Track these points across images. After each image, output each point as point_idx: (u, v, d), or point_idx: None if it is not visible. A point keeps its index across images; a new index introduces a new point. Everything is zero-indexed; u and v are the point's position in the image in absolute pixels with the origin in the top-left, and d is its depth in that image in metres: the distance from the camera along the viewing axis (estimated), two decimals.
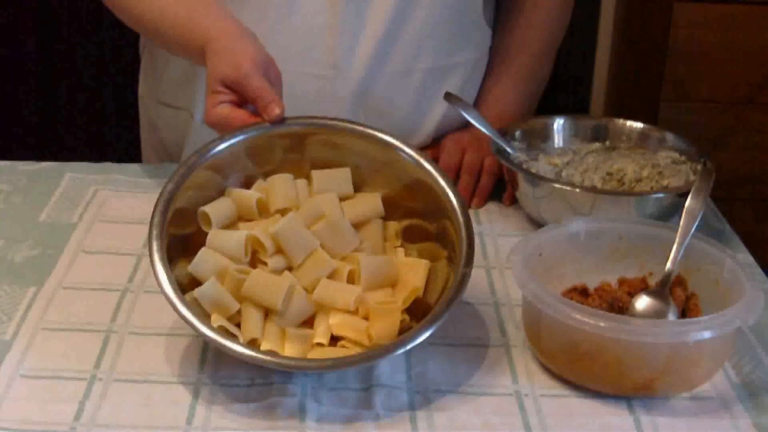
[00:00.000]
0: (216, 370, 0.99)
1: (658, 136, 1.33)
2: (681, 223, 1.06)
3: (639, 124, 1.35)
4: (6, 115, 2.56)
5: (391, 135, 1.08)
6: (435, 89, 1.35)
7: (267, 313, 0.98)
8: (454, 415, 0.94)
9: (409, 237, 1.08)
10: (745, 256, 1.20)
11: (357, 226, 1.05)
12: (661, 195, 1.21)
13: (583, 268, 1.08)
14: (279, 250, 1.00)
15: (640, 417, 0.94)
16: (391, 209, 1.08)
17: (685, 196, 1.11)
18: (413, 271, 1.02)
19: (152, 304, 1.09)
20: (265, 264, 1.00)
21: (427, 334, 0.94)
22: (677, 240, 1.04)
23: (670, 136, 1.33)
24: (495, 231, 1.26)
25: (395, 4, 1.29)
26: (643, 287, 1.05)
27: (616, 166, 1.27)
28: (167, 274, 0.95)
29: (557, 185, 1.22)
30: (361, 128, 1.08)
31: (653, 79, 2.20)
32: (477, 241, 1.23)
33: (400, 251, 1.06)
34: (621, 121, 1.36)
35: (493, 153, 1.29)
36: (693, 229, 1.05)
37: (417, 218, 1.07)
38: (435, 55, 1.35)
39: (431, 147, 1.39)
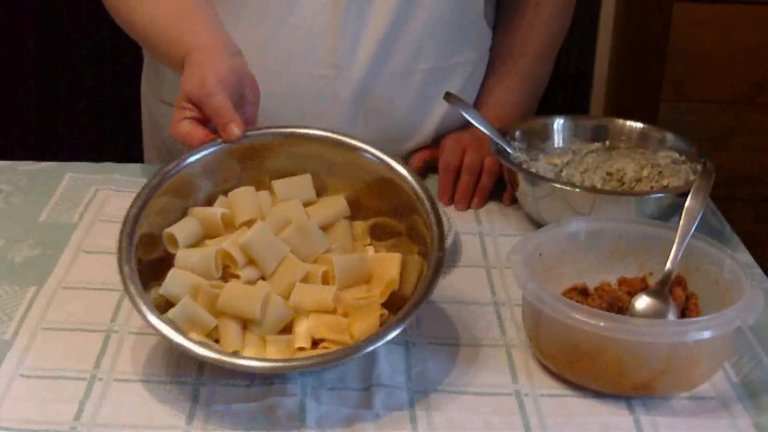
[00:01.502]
0: (216, 369, 0.99)
1: (658, 136, 1.33)
2: (681, 223, 1.06)
3: (639, 124, 1.35)
4: (6, 115, 2.56)
5: (349, 136, 1.08)
6: (436, 89, 1.35)
7: (245, 324, 0.98)
8: (454, 415, 0.94)
9: (378, 235, 1.08)
10: (745, 256, 1.20)
11: (324, 228, 1.05)
12: (661, 195, 1.21)
13: (583, 268, 1.08)
14: (250, 261, 1.00)
15: (640, 417, 0.94)
16: (357, 209, 1.08)
17: (685, 196, 1.11)
18: (386, 264, 1.02)
19: None
20: (238, 277, 1.00)
21: (412, 317, 0.94)
22: (677, 240, 1.05)
23: (670, 136, 1.32)
24: (495, 231, 1.26)
25: (397, 4, 1.29)
26: (643, 287, 1.05)
27: (616, 166, 1.27)
28: (147, 305, 0.94)
29: (557, 185, 1.22)
30: (317, 133, 1.08)
31: (653, 79, 2.20)
32: (477, 241, 1.23)
33: (370, 249, 1.06)
34: (621, 121, 1.36)
35: (493, 153, 1.29)
36: (693, 229, 1.05)
37: (384, 216, 1.07)
38: (436, 56, 1.35)
39: (431, 147, 1.39)
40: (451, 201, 1.32)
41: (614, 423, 0.94)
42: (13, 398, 0.95)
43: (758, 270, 1.17)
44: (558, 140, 1.35)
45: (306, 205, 1.06)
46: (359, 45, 1.30)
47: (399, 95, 1.35)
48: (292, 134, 1.08)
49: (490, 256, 1.21)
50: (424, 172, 1.38)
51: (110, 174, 1.37)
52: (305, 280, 1.00)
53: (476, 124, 1.29)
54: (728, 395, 0.98)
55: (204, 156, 1.06)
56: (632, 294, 1.04)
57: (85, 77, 2.56)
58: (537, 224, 1.23)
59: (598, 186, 1.25)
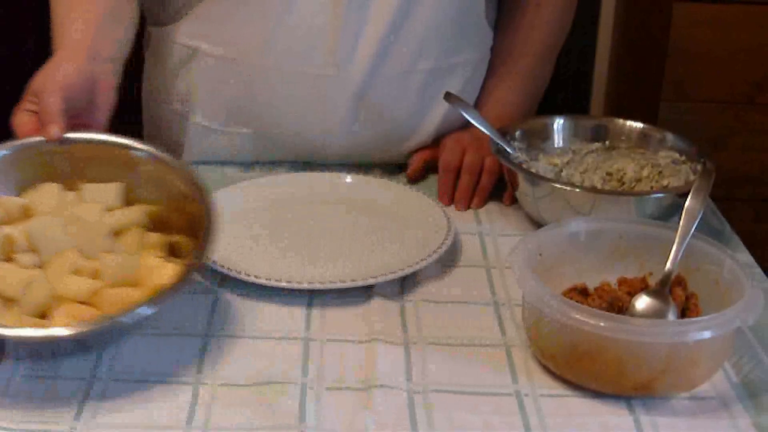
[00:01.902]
0: (216, 370, 0.99)
1: (658, 136, 1.33)
2: (681, 223, 1.06)
3: (639, 124, 1.35)
4: (6, 115, 2.56)
5: (163, 151, 1.13)
6: (436, 89, 1.35)
7: (7, 303, 1.00)
8: (454, 415, 0.94)
9: (176, 253, 1.09)
10: (745, 256, 1.20)
11: (117, 233, 1.08)
12: (660, 195, 1.21)
13: (583, 268, 1.08)
14: (32, 248, 1.04)
15: (640, 417, 0.94)
16: (160, 224, 1.11)
17: (685, 196, 1.11)
18: (159, 272, 1.04)
19: None
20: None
21: (144, 312, 0.96)
22: (677, 240, 1.04)
23: (670, 136, 1.32)
24: (495, 231, 1.26)
25: (397, 4, 1.29)
26: (643, 287, 1.05)
27: (616, 165, 1.27)
28: None
29: (557, 185, 1.21)
30: (136, 145, 1.13)
31: (653, 79, 2.20)
32: (477, 241, 1.23)
33: (157, 260, 1.07)
34: (621, 121, 1.36)
35: (493, 153, 1.29)
36: (693, 229, 1.05)
37: (183, 234, 1.08)
38: (437, 56, 1.35)
39: (431, 146, 1.39)
40: (451, 201, 1.32)
41: (614, 423, 0.94)
42: (13, 398, 0.95)
43: (758, 270, 1.17)
44: (558, 140, 1.35)
45: (109, 209, 1.09)
46: (359, 45, 1.30)
47: (399, 95, 1.35)
48: (109, 142, 1.13)
49: (490, 256, 1.21)
50: (424, 172, 1.38)
51: None
52: (78, 272, 1.02)
53: (476, 124, 1.29)
54: (728, 395, 0.98)
55: (21, 149, 1.12)
56: (632, 294, 1.04)
57: None
58: (537, 224, 1.23)
59: (598, 186, 1.24)
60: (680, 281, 1.05)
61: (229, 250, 1.17)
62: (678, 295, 1.03)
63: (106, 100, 1.16)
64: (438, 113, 1.38)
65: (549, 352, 0.99)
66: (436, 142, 1.40)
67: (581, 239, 1.09)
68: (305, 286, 1.10)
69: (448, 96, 1.32)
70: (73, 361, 1.00)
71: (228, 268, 1.12)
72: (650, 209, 1.20)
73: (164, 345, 1.03)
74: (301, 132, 1.36)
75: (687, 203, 1.08)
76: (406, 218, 1.25)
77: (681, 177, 1.24)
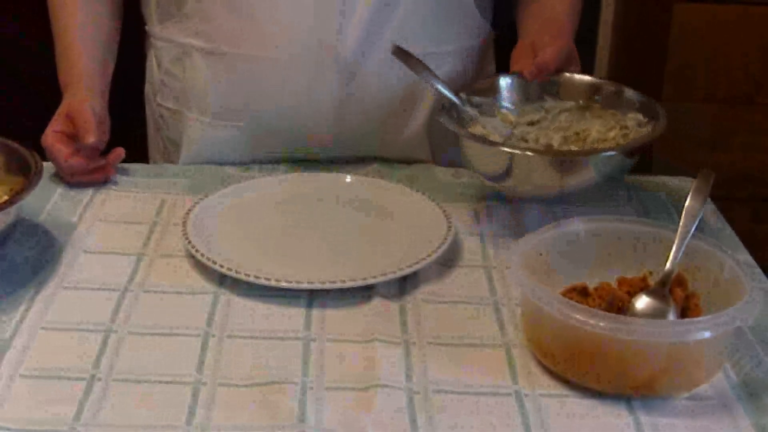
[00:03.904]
0: (216, 369, 0.99)
1: (613, 89, 1.31)
2: (681, 223, 1.06)
3: (589, 78, 1.32)
4: (6, 115, 2.56)
5: None
6: None
7: None
8: (454, 415, 0.94)
9: None
10: (745, 256, 1.20)
11: None
12: (587, 158, 1.19)
13: (583, 268, 1.08)
14: None
15: (640, 417, 0.94)
16: None
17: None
18: None
19: (152, 304, 1.09)
20: None
21: None
22: (677, 240, 1.04)
23: (630, 93, 1.30)
24: (495, 231, 1.26)
25: None
26: (642, 287, 1.05)
27: (582, 126, 1.26)
28: None
29: (495, 146, 1.19)
30: None
31: (653, 79, 2.20)
32: (477, 241, 1.23)
33: None
34: (575, 76, 1.33)
35: (446, 107, 1.26)
36: (693, 229, 1.05)
37: None
38: (424, 42, 1.35)
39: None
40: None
41: (614, 423, 0.94)
42: (12, 398, 0.95)
43: (758, 270, 1.17)
44: (512, 97, 1.32)
45: None
46: (347, 28, 1.31)
47: (389, 80, 1.35)
48: None
49: (490, 256, 1.21)
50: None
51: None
52: None
53: (425, 81, 1.27)
54: (728, 395, 0.98)
55: None
56: (632, 294, 1.04)
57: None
58: (537, 225, 1.23)
59: (555, 146, 1.23)
60: (680, 281, 1.05)
61: (229, 249, 1.17)
62: (678, 295, 1.03)
63: (106, 129, 1.35)
64: (430, 99, 1.38)
65: (549, 352, 0.99)
66: (432, 125, 1.40)
67: (581, 239, 1.09)
68: (305, 286, 1.10)
69: (397, 50, 1.27)
70: (73, 361, 1.00)
71: (228, 268, 1.12)
72: (596, 169, 1.19)
73: (164, 345, 1.03)
74: (294, 121, 1.37)
75: (687, 203, 1.08)
76: (406, 218, 1.25)
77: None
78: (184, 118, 1.42)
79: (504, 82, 1.33)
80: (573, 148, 1.24)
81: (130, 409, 0.94)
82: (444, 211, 1.25)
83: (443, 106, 1.26)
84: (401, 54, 1.28)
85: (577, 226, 1.09)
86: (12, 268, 1.15)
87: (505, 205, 1.32)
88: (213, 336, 1.04)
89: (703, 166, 1.17)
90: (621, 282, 1.07)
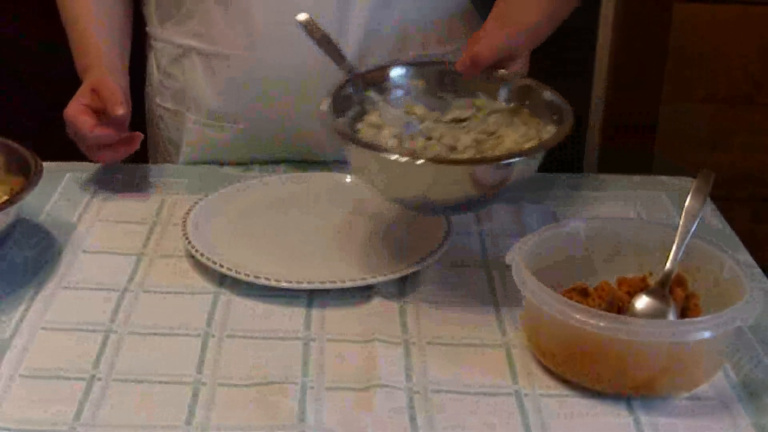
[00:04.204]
0: (215, 369, 0.99)
1: (540, 94, 1.15)
2: (681, 222, 1.06)
3: (524, 79, 1.17)
4: (6, 115, 2.56)
5: None
6: None
7: None
8: (454, 415, 0.94)
9: None
10: (745, 256, 1.20)
11: None
12: (453, 166, 1.05)
13: (583, 268, 1.08)
14: None
15: (640, 417, 0.94)
16: None
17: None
18: None
19: (152, 304, 1.09)
20: None
21: None
22: (677, 240, 1.04)
23: (553, 99, 1.14)
24: (495, 231, 1.26)
25: None
26: (642, 287, 1.05)
27: (501, 131, 1.12)
28: None
29: (352, 144, 1.05)
30: None
31: (653, 79, 2.20)
32: (477, 240, 1.23)
33: None
34: (507, 74, 1.16)
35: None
36: (693, 229, 1.05)
37: None
38: (423, 44, 1.35)
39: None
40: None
41: (614, 423, 0.94)
42: (12, 398, 0.95)
43: (758, 270, 1.17)
44: (437, 89, 1.16)
45: None
46: (345, 31, 1.31)
47: None
48: None
49: (490, 256, 1.21)
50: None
51: (110, 174, 1.37)
52: None
53: (330, 56, 1.16)
54: (728, 395, 0.98)
55: None
56: (632, 294, 1.04)
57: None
58: (537, 225, 1.23)
59: (459, 148, 1.09)
60: (680, 281, 1.05)
61: (229, 250, 1.17)
62: (678, 295, 1.03)
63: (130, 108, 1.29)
64: None
65: (549, 352, 0.99)
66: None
67: (581, 239, 1.09)
68: (305, 286, 1.10)
69: (304, 22, 1.16)
70: (73, 361, 1.00)
71: (228, 268, 1.12)
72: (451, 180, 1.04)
73: (164, 345, 1.03)
74: (293, 123, 1.37)
75: (687, 203, 1.08)
76: (406, 218, 1.25)
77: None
78: (184, 118, 1.43)
79: (432, 71, 1.19)
80: (470, 155, 1.10)
81: (130, 409, 0.94)
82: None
83: (345, 84, 1.13)
84: (308, 26, 1.16)
85: (577, 226, 1.09)
86: (12, 268, 1.15)
87: (505, 205, 1.32)
88: (213, 336, 1.04)
89: (703, 166, 1.17)
90: (621, 282, 1.07)
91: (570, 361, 0.97)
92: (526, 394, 0.97)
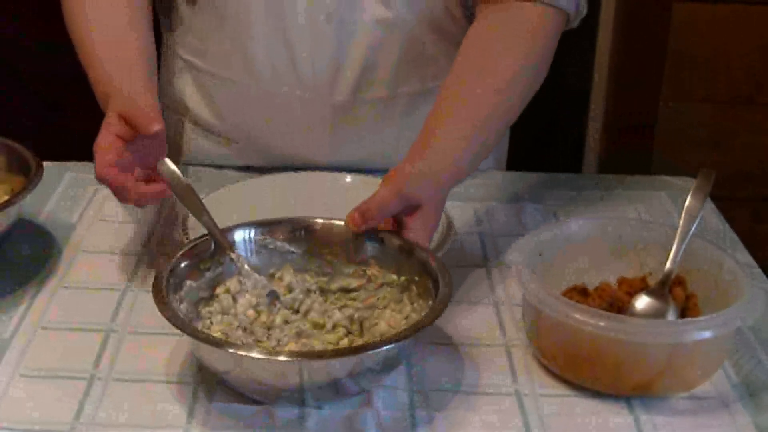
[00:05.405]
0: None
1: (430, 273, 0.99)
2: (681, 222, 1.06)
3: (419, 249, 1.02)
4: (6, 115, 2.56)
5: None
6: (423, 111, 1.32)
7: None
8: (454, 415, 0.94)
9: None
10: (745, 256, 1.20)
11: None
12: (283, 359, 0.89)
13: (583, 268, 1.08)
14: None
15: (640, 417, 0.95)
16: None
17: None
18: None
19: (152, 304, 1.09)
20: None
21: None
22: (677, 240, 1.04)
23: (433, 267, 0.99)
24: (495, 231, 1.26)
25: (372, 32, 1.28)
26: (642, 287, 1.05)
27: (378, 313, 1.02)
28: None
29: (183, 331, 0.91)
30: None
31: (653, 79, 2.20)
32: (477, 241, 1.23)
33: None
34: (401, 240, 1.03)
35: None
36: (693, 229, 1.05)
37: None
38: (419, 79, 1.33)
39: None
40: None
41: (614, 423, 0.94)
42: (12, 398, 0.95)
43: (758, 270, 1.17)
44: (326, 252, 1.04)
45: None
46: (341, 68, 1.30)
47: (384, 119, 1.34)
48: None
49: (490, 256, 1.21)
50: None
51: None
52: None
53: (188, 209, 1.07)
54: (728, 395, 0.98)
55: None
56: (632, 294, 1.04)
57: (85, 77, 2.55)
58: (537, 225, 1.23)
59: (327, 328, 1.00)
60: (680, 281, 1.05)
61: None
62: (678, 295, 1.03)
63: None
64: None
65: (549, 352, 0.99)
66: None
67: (581, 239, 1.09)
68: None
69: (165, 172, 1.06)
70: (73, 361, 1.00)
71: None
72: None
73: (164, 345, 1.02)
74: (289, 149, 1.37)
75: (687, 203, 1.08)
76: None
77: None
78: (184, 126, 1.42)
79: (321, 228, 1.06)
80: (338, 335, 1.00)
81: (130, 409, 0.94)
82: (444, 210, 1.24)
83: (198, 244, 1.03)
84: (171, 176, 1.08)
85: (577, 226, 1.09)
86: (12, 268, 1.15)
87: (505, 205, 1.32)
88: None
89: (703, 166, 1.17)
90: (621, 282, 1.07)
91: (570, 361, 0.97)
92: (526, 394, 0.97)
